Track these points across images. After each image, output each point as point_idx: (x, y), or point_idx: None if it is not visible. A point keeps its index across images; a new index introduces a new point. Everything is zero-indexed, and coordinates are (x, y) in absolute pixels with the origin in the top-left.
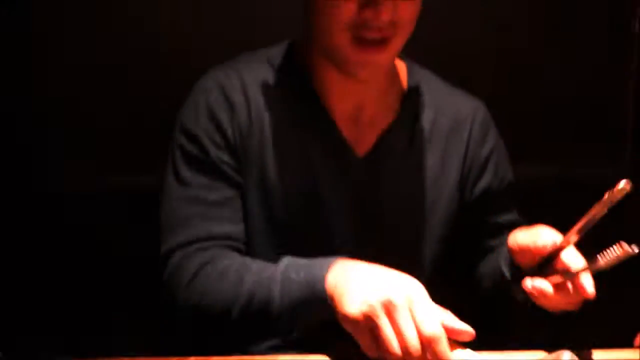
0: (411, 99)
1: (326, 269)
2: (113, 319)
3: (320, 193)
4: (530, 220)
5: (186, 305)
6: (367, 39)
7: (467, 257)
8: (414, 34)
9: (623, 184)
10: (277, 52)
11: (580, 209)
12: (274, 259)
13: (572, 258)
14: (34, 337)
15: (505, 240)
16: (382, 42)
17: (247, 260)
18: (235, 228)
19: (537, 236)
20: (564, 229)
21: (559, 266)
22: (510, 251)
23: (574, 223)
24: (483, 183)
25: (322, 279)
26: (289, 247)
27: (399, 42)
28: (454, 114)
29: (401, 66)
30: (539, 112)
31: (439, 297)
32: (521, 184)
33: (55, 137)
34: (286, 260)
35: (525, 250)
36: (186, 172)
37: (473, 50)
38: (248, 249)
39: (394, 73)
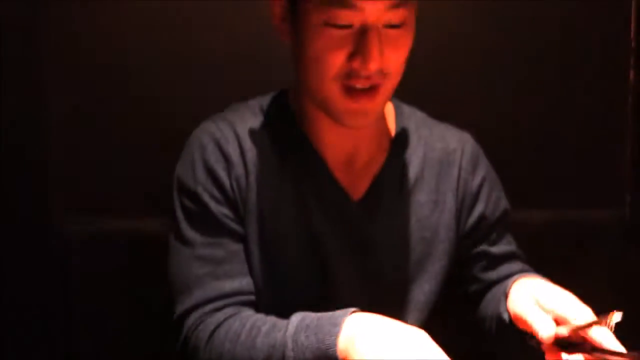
0: (400, 140)
1: (335, 333)
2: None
3: (318, 239)
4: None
5: None
6: (356, 88)
7: (466, 291)
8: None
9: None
10: (269, 101)
11: (578, 252)
12: (275, 305)
13: (607, 341)
14: None
15: (504, 276)
16: (371, 90)
17: (258, 320)
18: (245, 281)
19: (536, 324)
20: (563, 272)
21: (583, 338)
22: (509, 315)
23: (573, 267)
24: (477, 213)
25: (334, 346)
26: (288, 293)
27: (388, 88)
28: (442, 149)
29: (389, 108)
30: (539, 158)
31: (440, 337)
32: (520, 229)
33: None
34: (294, 321)
35: (523, 323)
36: (189, 232)
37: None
38: None
39: (383, 116)
